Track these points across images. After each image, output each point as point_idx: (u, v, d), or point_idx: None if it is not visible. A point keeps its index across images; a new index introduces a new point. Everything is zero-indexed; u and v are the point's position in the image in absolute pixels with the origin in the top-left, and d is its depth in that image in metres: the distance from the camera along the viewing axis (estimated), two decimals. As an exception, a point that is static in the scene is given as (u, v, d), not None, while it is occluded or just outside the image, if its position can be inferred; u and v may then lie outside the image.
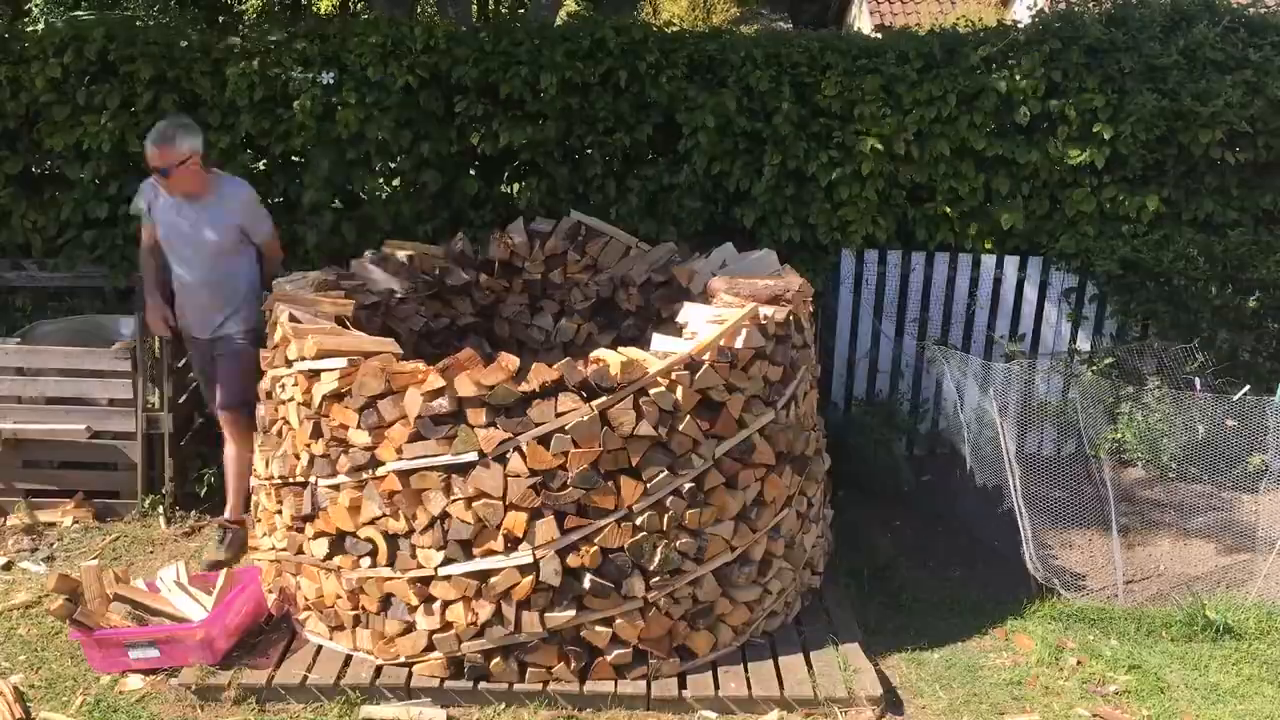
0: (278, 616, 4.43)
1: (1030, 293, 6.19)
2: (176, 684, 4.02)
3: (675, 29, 6.11)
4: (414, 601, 4.00)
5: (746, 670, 4.15)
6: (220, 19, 9.22)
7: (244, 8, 10.94)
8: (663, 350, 4.07)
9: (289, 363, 4.22)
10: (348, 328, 4.41)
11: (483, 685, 4.00)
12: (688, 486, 3.99)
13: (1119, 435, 5.82)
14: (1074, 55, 5.90)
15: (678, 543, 4.01)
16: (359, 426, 4.00)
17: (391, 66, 5.68)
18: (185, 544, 5.21)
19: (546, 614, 3.92)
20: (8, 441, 5.29)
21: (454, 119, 5.88)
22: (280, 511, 4.36)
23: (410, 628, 4.03)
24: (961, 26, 6.19)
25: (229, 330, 4.92)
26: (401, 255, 5.23)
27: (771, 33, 6.22)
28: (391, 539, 4.02)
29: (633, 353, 4.03)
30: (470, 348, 3.96)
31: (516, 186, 6.09)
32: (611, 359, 3.91)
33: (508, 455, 3.86)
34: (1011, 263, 6.13)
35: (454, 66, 5.73)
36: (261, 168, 5.93)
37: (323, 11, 12.06)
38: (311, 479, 4.17)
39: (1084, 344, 6.24)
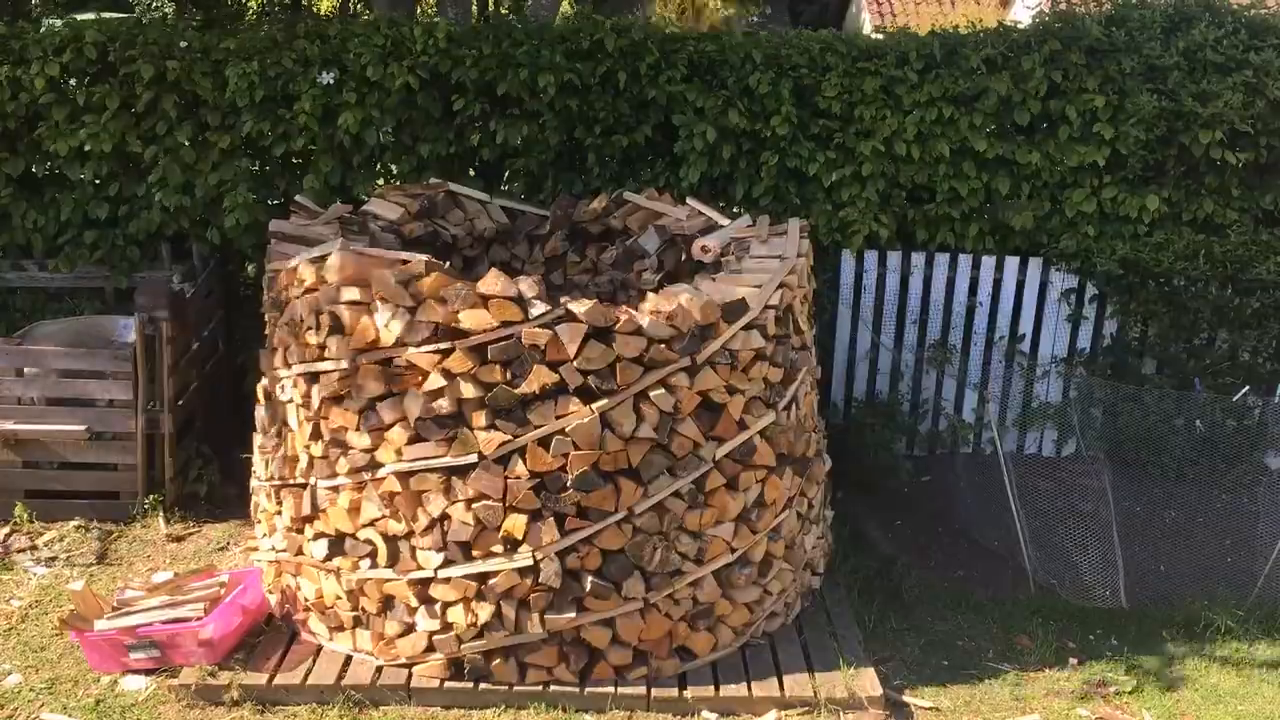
0: (278, 617, 4.43)
1: (1030, 293, 6.18)
2: (177, 684, 4.02)
3: (673, 30, 6.11)
4: (414, 603, 4.00)
5: (747, 671, 4.15)
6: (220, 18, 9.19)
7: (245, 6, 10.92)
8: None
9: (288, 365, 4.23)
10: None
11: (483, 686, 4.00)
12: (688, 488, 3.99)
13: None
14: (1074, 56, 5.90)
15: (678, 544, 4.01)
16: (358, 428, 4.00)
17: (392, 67, 5.68)
18: (184, 545, 5.21)
19: (547, 615, 3.92)
20: (8, 441, 5.29)
21: (453, 119, 5.88)
22: (280, 513, 4.36)
23: (410, 629, 4.03)
24: (962, 28, 6.19)
25: None
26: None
27: (771, 34, 6.21)
28: (391, 540, 4.02)
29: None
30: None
31: (515, 186, 6.09)
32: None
33: (508, 457, 3.86)
34: (1012, 263, 6.13)
35: (454, 67, 5.73)
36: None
37: (323, 11, 12.05)
38: (311, 480, 4.17)
39: (1084, 344, 6.23)
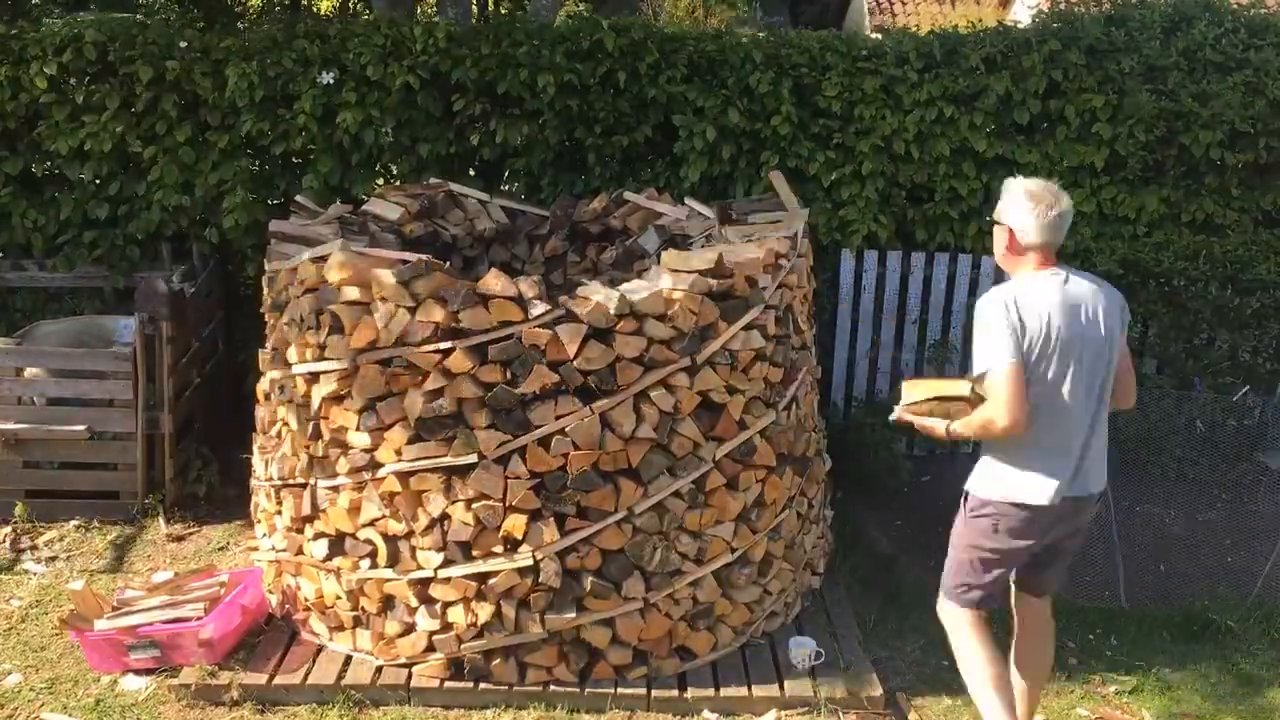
0: (278, 617, 4.43)
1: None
2: (176, 684, 4.03)
3: (674, 29, 6.11)
4: (414, 603, 4.00)
5: (747, 671, 4.15)
6: (220, 19, 9.20)
7: (244, 7, 10.92)
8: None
9: (288, 365, 4.23)
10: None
11: (483, 686, 4.00)
12: (688, 488, 4.00)
13: None
14: (1074, 56, 5.90)
15: (678, 544, 4.01)
16: (358, 428, 4.00)
17: (392, 67, 5.68)
18: (184, 545, 5.21)
19: (547, 615, 3.93)
20: (8, 441, 5.29)
21: (453, 119, 5.88)
22: (280, 512, 4.36)
23: (410, 629, 4.03)
24: (962, 28, 6.19)
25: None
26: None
27: (772, 33, 6.22)
28: (391, 540, 4.02)
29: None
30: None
31: (515, 186, 6.09)
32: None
33: (508, 457, 3.86)
34: (1012, 263, 6.12)
35: (454, 67, 5.73)
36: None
37: (323, 11, 12.05)
38: (311, 480, 4.17)
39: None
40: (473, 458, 3.85)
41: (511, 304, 3.87)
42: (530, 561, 3.88)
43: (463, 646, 3.97)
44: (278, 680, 4.04)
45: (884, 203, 6.01)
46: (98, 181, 5.86)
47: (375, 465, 3.99)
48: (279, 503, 4.36)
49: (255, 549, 4.71)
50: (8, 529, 5.25)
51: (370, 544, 4.06)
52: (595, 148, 5.88)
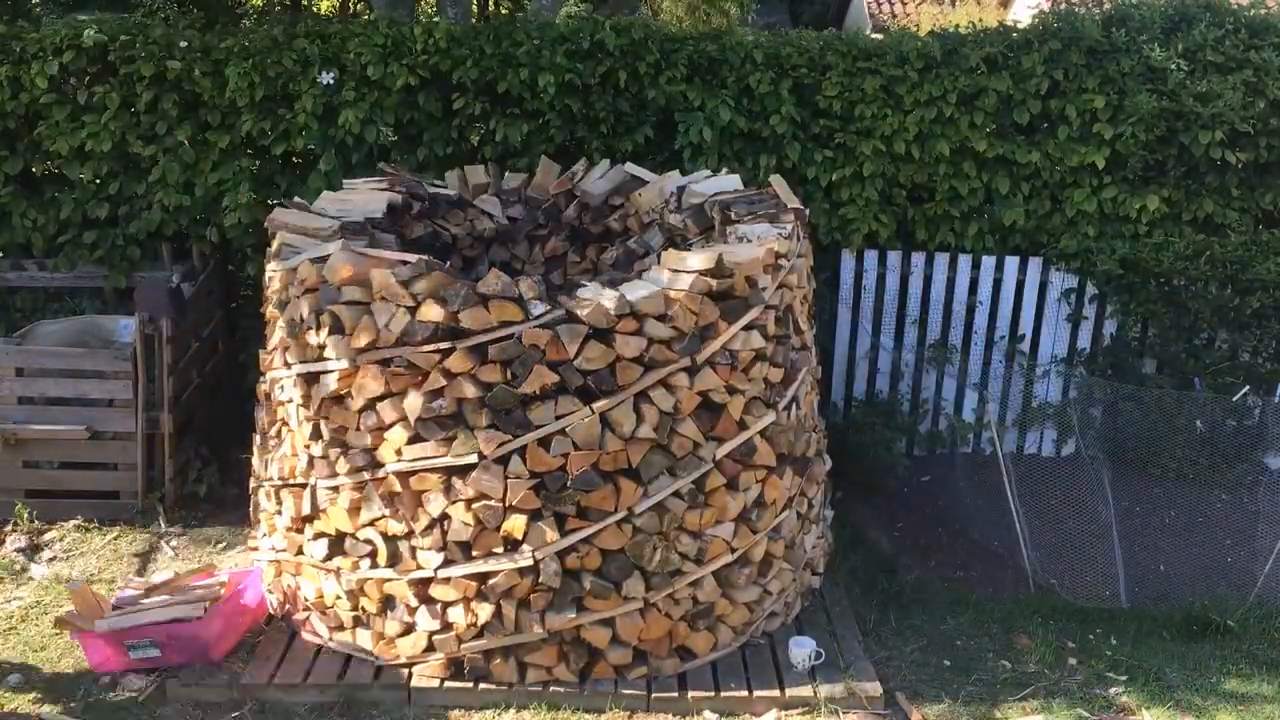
0: (278, 617, 4.43)
1: (1030, 293, 6.19)
2: (177, 683, 4.02)
3: (675, 29, 6.11)
4: (414, 603, 4.00)
5: (746, 670, 4.15)
6: (220, 19, 9.19)
7: (244, 7, 10.92)
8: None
9: (288, 365, 4.22)
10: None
11: (483, 686, 4.00)
12: (688, 488, 3.99)
13: None
14: (1074, 56, 5.90)
15: (678, 544, 4.01)
16: (358, 428, 4.00)
17: (392, 66, 5.68)
18: (184, 545, 5.21)
19: (547, 615, 3.93)
20: (8, 441, 5.29)
21: (454, 119, 5.88)
22: (280, 512, 4.36)
23: (410, 628, 4.04)
24: (962, 28, 6.19)
25: None
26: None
27: (772, 34, 6.22)
28: (391, 540, 4.02)
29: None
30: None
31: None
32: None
33: (508, 457, 3.86)
34: (1011, 263, 6.13)
35: (454, 67, 5.73)
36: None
37: (323, 11, 12.04)
38: (311, 480, 4.17)
39: (1084, 344, 6.24)
40: (473, 458, 3.85)
41: (511, 304, 3.87)
42: (530, 561, 3.88)
43: (463, 646, 3.97)
44: (278, 680, 4.04)
45: (884, 202, 6.01)
46: (98, 181, 5.86)
47: (375, 465, 3.99)
48: (279, 503, 4.36)
49: (255, 549, 4.71)
50: (7, 529, 5.25)
51: (370, 544, 4.06)
52: (596, 147, 5.88)
